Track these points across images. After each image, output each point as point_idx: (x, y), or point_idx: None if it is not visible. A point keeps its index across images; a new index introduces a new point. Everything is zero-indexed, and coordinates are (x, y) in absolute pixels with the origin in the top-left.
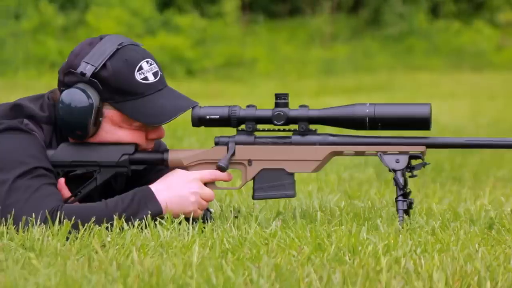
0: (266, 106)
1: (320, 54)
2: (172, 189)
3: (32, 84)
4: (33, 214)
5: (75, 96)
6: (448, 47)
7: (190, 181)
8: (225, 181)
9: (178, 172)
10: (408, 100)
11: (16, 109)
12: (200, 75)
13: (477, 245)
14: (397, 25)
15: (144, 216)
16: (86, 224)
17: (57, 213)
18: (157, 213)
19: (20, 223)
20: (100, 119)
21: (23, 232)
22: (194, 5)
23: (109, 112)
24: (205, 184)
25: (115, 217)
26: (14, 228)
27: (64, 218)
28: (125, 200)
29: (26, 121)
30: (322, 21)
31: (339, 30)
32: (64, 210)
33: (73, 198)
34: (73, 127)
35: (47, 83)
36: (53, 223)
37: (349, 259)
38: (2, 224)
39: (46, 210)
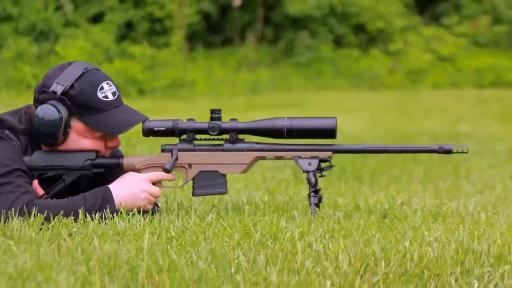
0: (203, 119)
1: (247, 77)
2: (126, 188)
3: (12, 103)
4: (12, 206)
5: (48, 111)
6: (350, 71)
7: (141, 181)
8: (169, 180)
9: (130, 174)
10: (318, 114)
11: (0, 123)
12: (150, 95)
13: (374, 231)
14: (305, 54)
15: (104, 211)
16: (56, 217)
17: (32, 206)
18: (113, 210)
19: (1, 215)
20: (68, 129)
21: (4, 223)
22: (146, 37)
23: (76, 124)
24: (153, 183)
25: (80, 211)
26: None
27: (37, 211)
28: (88, 198)
29: (6, 131)
30: (248, 50)
31: (262, 58)
32: (37, 204)
33: (45, 195)
34: (46, 136)
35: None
36: (29, 214)
37: (271, 244)
38: None
39: (24, 204)
